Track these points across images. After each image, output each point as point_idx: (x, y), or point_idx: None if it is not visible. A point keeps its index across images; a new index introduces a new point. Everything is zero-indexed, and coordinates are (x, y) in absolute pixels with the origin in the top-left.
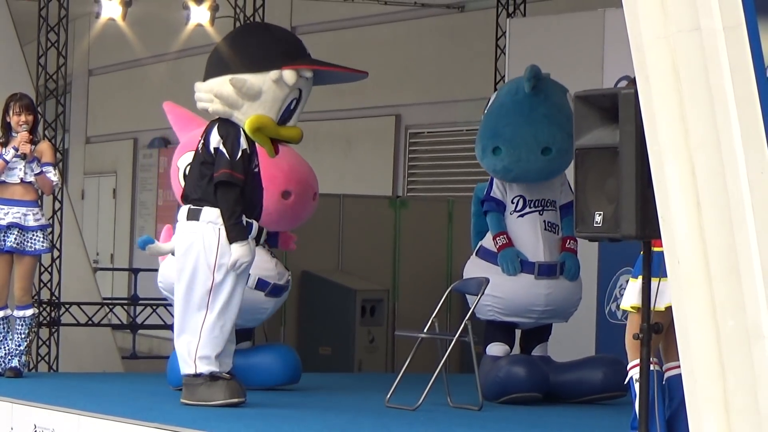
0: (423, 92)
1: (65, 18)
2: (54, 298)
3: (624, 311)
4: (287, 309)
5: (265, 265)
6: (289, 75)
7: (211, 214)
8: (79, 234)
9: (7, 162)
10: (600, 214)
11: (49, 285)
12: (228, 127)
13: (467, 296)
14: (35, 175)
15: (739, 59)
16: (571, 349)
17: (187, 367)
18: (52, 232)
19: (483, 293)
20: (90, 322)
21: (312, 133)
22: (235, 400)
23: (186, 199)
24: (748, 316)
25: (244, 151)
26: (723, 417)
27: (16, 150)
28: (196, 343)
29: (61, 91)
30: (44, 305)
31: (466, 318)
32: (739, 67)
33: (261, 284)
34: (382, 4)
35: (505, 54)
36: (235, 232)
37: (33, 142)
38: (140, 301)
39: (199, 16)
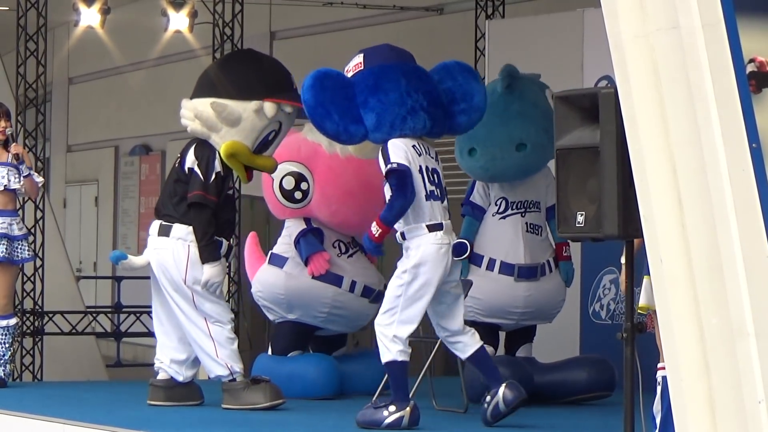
0: None
1: (44, 27)
2: (37, 307)
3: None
4: None
5: (367, 272)
6: (269, 107)
7: (181, 231)
8: (61, 243)
9: None
10: (582, 215)
11: (32, 294)
12: (204, 148)
13: None
14: (24, 177)
15: (718, 57)
16: (555, 349)
17: (217, 367)
18: (34, 241)
19: (466, 296)
20: (74, 331)
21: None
22: (278, 401)
23: (157, 213)
24: (732, 314)
25: (218, 173)
26: (708, 414)
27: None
28: (214, 347)
29: (41, 100)
30: (27, 314)
31: None
32: (718, 64)
33: (367, 291)
34: (361, 7)
35: (484, 55)
36: (207, 253)
37: (6, 148)
38: (124, 309)
39: (178, 22)
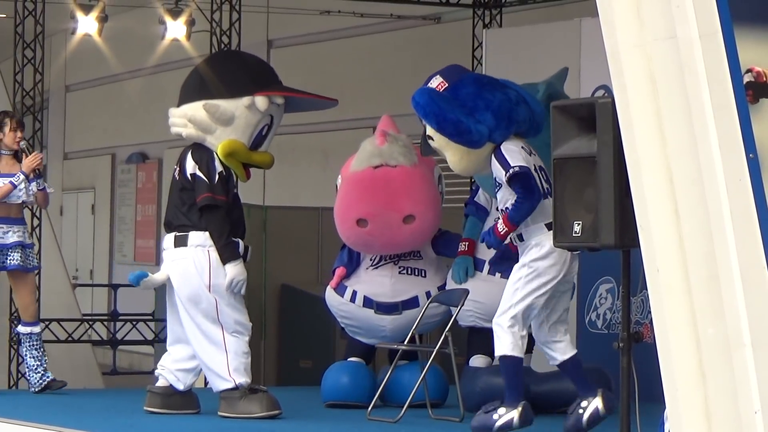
0: (400, 104)
1: (41, 34)
2: None
3: None
4: (267, 323)
5: (377, 283)
6: (261, 101)
7: (198, 238)
8: (58, 250)
9: (15, 186)
10: (579, 224)
11: None
12: (201, 151)
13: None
14: (39, 190)
15: (715, 67)
16: None
17: (224, 383)
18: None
19: (462, 305)
20: (70, 339)
21: (289, 146)
22: (274, 412)
23: (169, 226)
24: (728, 324)
25: (220, 173)
26: (704, 424)
27: (26, 175)
28: (225, 359)
29: (38, 107)
30: None
31: (447, 329)
32: (715, 74)
33: (367, 302)
34: (359, 16)
35: (481, 64)
36: (227, 253)
37: (17, 158)
38: (120, 317)
39: (176, 30)
